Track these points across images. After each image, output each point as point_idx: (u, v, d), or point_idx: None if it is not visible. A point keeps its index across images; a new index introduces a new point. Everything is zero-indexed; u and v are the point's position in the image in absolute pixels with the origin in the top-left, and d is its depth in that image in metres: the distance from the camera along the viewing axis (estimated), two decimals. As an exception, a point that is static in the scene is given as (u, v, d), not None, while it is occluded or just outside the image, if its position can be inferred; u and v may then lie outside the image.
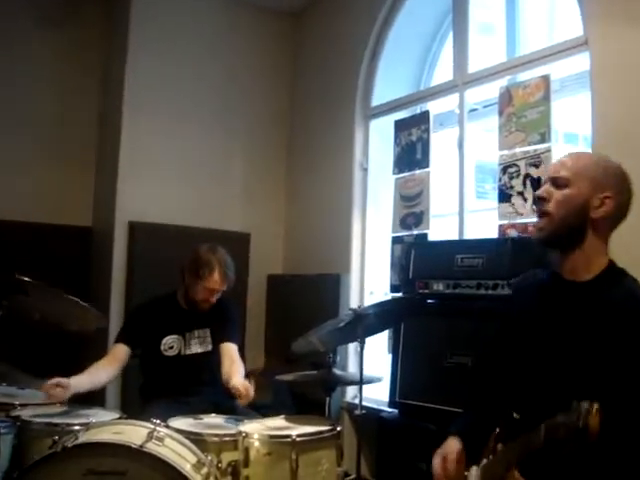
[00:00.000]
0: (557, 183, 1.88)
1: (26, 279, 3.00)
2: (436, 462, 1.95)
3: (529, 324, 1.94)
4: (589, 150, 3.39)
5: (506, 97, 3.98)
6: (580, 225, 1.84)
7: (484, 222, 4.39)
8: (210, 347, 3.61)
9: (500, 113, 4.00)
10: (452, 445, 1.96)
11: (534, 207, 1.98)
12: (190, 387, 3.51)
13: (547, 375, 1.85)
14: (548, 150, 3.69)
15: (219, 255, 3.52)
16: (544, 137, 3.72)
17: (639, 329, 1.69)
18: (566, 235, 1.86)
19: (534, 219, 3.60)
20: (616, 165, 1.92)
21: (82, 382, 3.14)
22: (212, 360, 3.59)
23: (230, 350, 3.54)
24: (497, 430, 1.79)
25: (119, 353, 3.44)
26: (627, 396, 1.67)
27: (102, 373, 3.33)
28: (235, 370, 3.33)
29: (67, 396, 2.99)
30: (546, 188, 1.91)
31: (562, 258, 1.90)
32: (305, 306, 4.97)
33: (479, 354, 2.35)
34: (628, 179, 1.91)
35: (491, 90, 4.21)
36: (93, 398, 3.42)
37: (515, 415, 1.72)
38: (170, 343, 3.54)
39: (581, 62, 3.63)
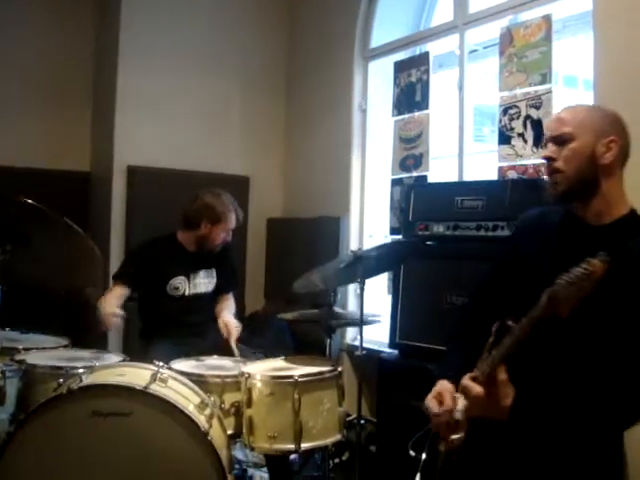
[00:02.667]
0: (560, 140, 1.91)
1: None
2: (432, 403, 1.94)
3: (540, 265, 1.94)
4: (591, 93, 3.36)
5: (507, 37, 3.93)
6: (593, 174, 1.87)
7: (482, 165, 4.39)
8: (213, 286, 3.68)
9: (501, 53, 3.95)
10: (445, 384, 1.96)
11: (544, 162, 1.98)
12: (192, 327, 3.56)
13: None
14: (549, 91, 3.66)
15: (227, 196, 3.67)
16: (545, 78, 3.68)
17: None
18: (581, 187, 1.89)
19: (534, 160, 3.66)
20: (611, 110, 1.97)
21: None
22: (213, 300, 3.68)
23: (226, 299, 3.78)
24: (491, 339, 1.80)
25: (118, 293, 3.43)
26: (624, 348, 1.71)
27: None
28: (225, 306, 3.68)
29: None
30: (550, 149, 1.93)
31: (583, 206, 1.92)
32: (305, 249, 4.98)
33: (471, 293, 2.34)
34: (623, 121, 1.96)
35: (492, 31, 4.15)
36: (96, 341, 3.46)
37: (509, 322, 1.73)
38: (176, 284, 3.58)
39: (584, 1, 3.57)
